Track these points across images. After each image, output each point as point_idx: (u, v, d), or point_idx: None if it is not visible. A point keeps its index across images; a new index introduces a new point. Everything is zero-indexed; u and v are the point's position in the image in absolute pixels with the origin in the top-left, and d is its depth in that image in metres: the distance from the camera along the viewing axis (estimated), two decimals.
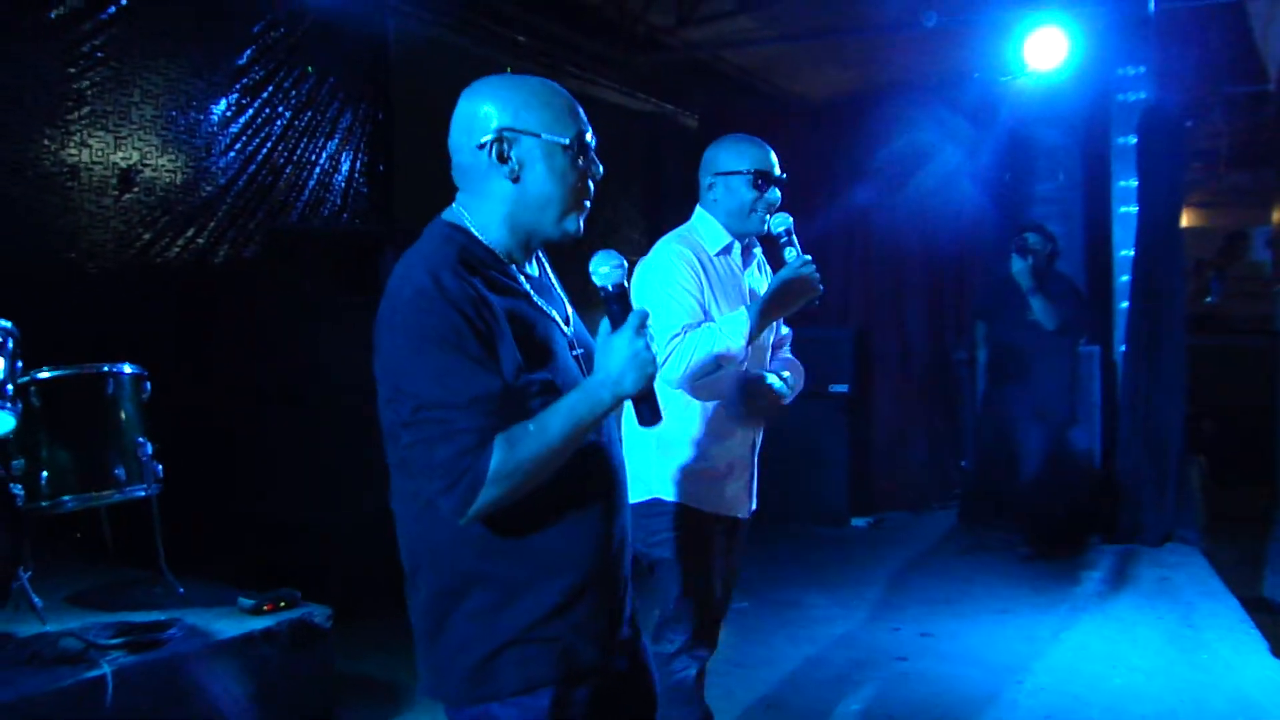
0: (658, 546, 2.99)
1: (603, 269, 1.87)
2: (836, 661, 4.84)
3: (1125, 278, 7.49)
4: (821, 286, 2.92)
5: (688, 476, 2.99)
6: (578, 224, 1.98)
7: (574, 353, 1.98)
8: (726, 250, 3.09)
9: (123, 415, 3.89)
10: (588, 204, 1.99)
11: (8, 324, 3.44)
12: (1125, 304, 7.41)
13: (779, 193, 3.07)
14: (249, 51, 5.80)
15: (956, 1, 6.95)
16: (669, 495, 2.98)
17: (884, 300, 8.59)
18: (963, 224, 8.19)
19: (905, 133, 8.47)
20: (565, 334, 1.99)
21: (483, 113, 1.92)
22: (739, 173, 3.04)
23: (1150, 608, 5.56)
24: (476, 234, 1.93)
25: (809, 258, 2.92)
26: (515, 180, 1.91)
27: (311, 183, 6.21)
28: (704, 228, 3.11)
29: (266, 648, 3.59)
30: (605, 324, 1.84)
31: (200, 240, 5.58)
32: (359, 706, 4.19)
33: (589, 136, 1.96)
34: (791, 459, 6.73)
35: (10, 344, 3.41)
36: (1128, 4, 6.82)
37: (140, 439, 3.88)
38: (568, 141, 1.91)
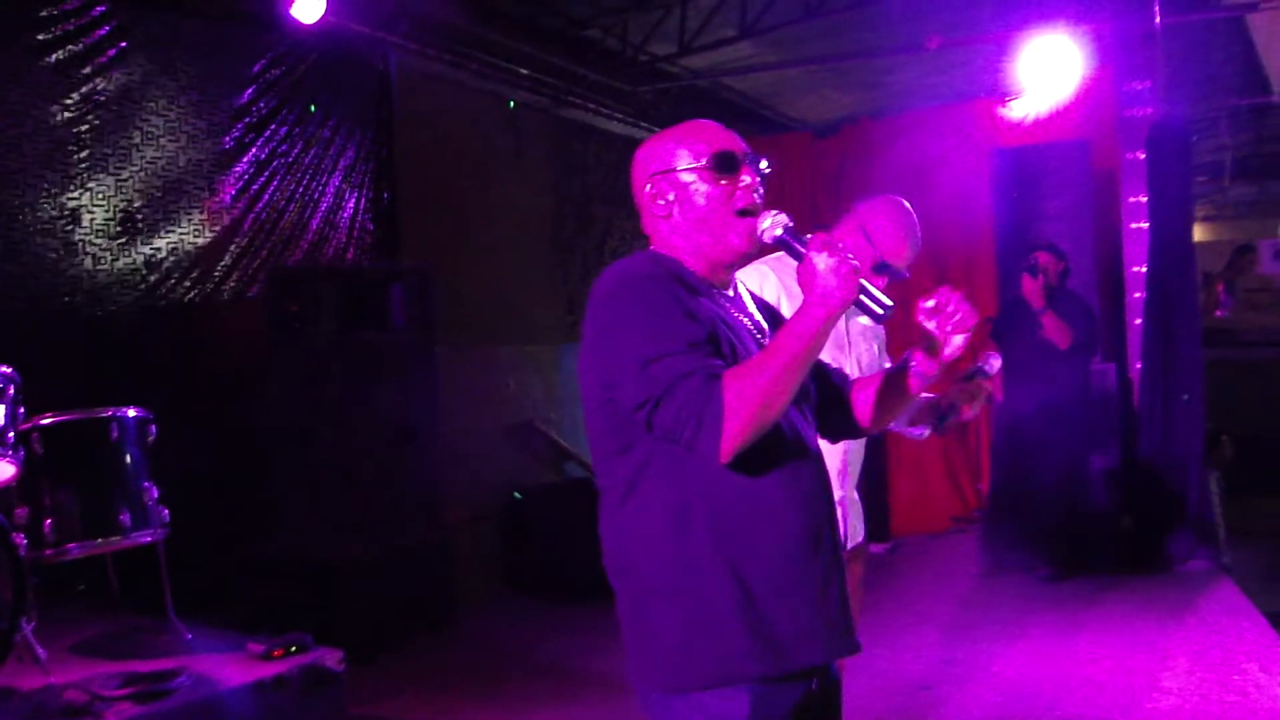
0: None
1: (766, 223, 2.01)
2: (858, 691, 4.74)
3: (1138, 294, 7.44)
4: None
5: None
6: (742, 235, 2.05)
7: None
8: None
9: (127, 460, 3.84)
10: (749, 213, 2.07)
11: (8, 370, 3.40)
12: (1139, 320, 7.35)
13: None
14: (250, 90, 5.80)
15: (959, 22, 6.93)
16: None
17: (894, 323, 8.51)
18: (971, 244, 8.14)
19: (910, 154, 8.45)
20: (759, 343, 2.08)
21: (640, 165, 2.12)
22: None
23: (1176, 627, 5.46)
24: (679, 262, 2.07)
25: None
26: (668, 218, 2.07)
27: (316, 221, 6.19)
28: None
29: (277, 694, 3.52)
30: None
31: (206, 282, 5.55)
32: None
33: (729, 150, 2.07)
34: None
35: (12, 390, 3.37)
36: (1133, 20, 6.80)
37: (146, 483, 3.84)
38: (699, 165, 2.05)
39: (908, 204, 3.22)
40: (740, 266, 2.15)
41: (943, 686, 4.81)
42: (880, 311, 1.96)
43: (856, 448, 3.18)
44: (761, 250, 2.12)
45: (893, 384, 2.31)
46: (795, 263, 1.95)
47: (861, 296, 1.91)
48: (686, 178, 2.05)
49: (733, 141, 2.09)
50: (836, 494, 3.07)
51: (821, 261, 1.87)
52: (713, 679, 1.88)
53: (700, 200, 2.04)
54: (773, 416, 1.85)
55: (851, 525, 3.17)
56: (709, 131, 2.10)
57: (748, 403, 1.79)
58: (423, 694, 4.81)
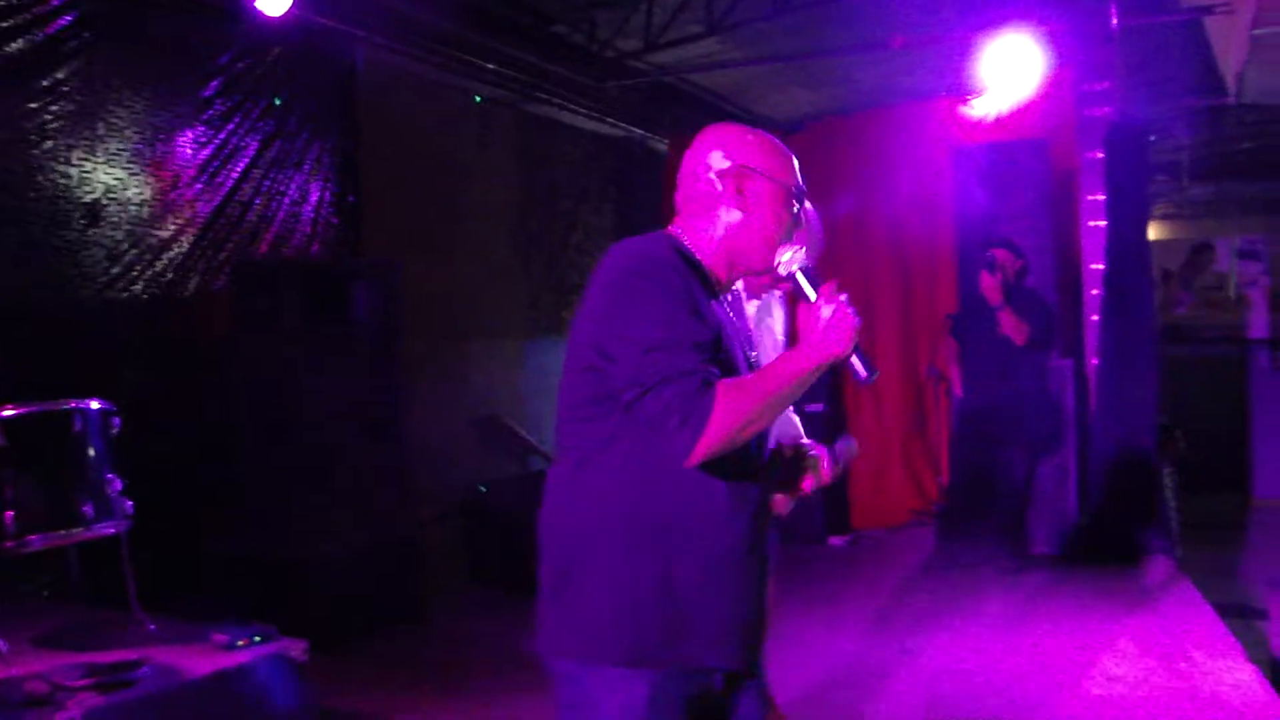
0: None
1: (786, 255, 2.11)
2: (817, 680, 4.83)
3: (1095, 291, 7.56)
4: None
5: None
6: (771, 262, 2.14)
7: (747, 365, 2.14)
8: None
9: (90, 452, 3.83)
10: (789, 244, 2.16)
11: None
12: (1096, 317, 7.46)
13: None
14: (215, 83, 5.78)
15: (923, 21, 7.00)
16: None
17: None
18: (932, 241, 8.23)
19: (874, 151, 8.54)
20: (746, 355, 2.16)
21: (725, 148, 2.13)
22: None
23: (1128, 617, 5.58)
24: (692, 251, 2.12)
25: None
26: (744, 212, 2.11)
27: (280, 214, 6.17)
28: None
29: (241, 684, 3.53)
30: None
31: (169, 274, 5.54)
32: None
33: (803, 189, 2.19)
34: None
35: None
36: (1091, 21, 6.89)
37: (109, 475, 3.83)
38: (792, 187, 2.15)
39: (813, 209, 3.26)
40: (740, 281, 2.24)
41: (900, 675, 4.90)
42: (865, 375, 2.03)
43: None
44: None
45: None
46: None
47: (854, 354, 1.99)
48: (773, 190, 2.12)
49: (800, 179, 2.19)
50: None
51: (827, 311, 1.96)
52: (624, 658, 1.96)
53: (770, 216, 2.11)
54: (747, 437, 1.95)
55: None
56: (793, 161, 2.19)
57: (732, 418, 1.88)
58: (390, 687, 4.84)
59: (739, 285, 3.13)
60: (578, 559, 2.02)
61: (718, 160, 2.12)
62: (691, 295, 1.97)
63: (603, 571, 1.99)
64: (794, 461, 2.26)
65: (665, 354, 1.89)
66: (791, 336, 3.17)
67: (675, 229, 2.15)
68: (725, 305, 2.15)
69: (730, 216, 2.11)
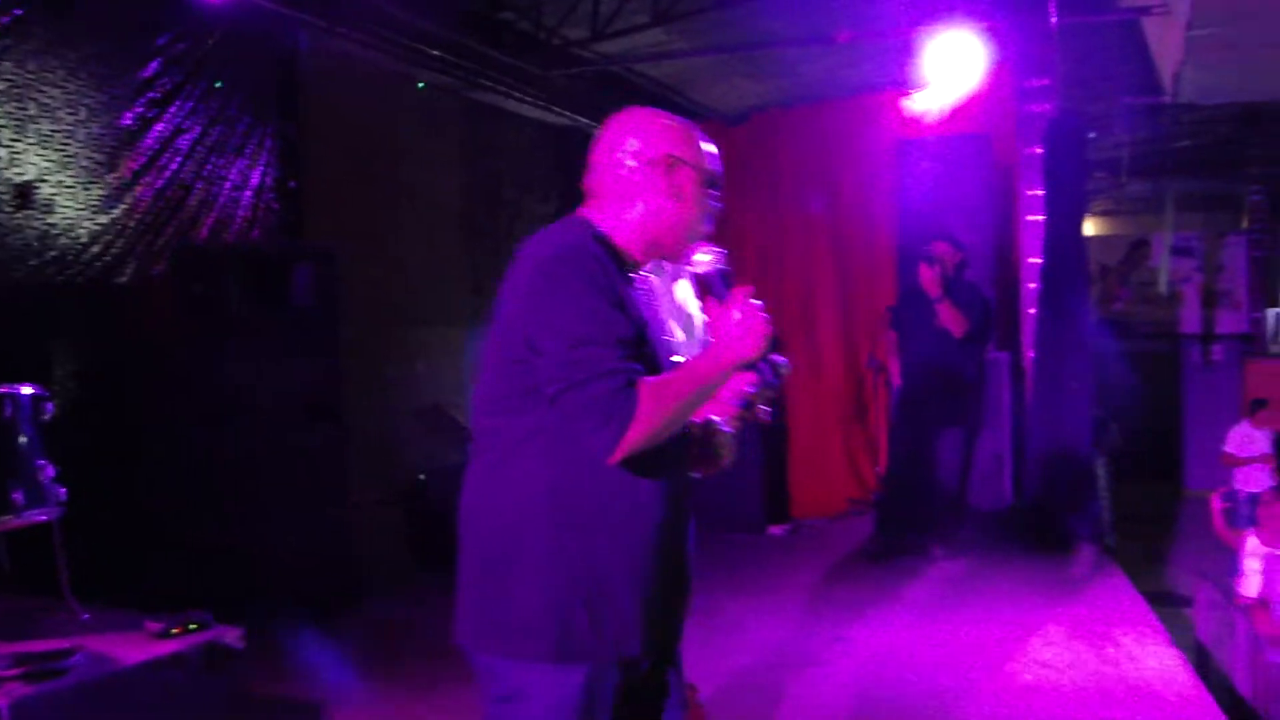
0: None
1: (706, 258, 2.13)
2: (753, 667, 4.88)
3: (1033, 285, 7.67)
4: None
5: None
6: (687, 251, 2.18)
7: (666, 351, 2.15)
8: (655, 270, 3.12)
9: (21, 438, 3.77)
10: (706, 231, 2.21)
11: None
12: (1033, 310, 7.58)
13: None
14: (154, 65, 5.68)
15: (868, 16, 7.06)
16: None
17: (797, 310, 8.69)
18: (873, 233, 8.32)
19: (818, 143, 8.60)
20: (664, 336, 2.18)
21: (652, 136, 2.13)
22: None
23: (1059, 604, 5.69)
24: (607, 235, 2.11)
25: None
26: (671, 200, 2.11)
27: (221, 199, 6.10)
28: None
29: (176, 672, 3.50)
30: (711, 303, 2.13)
31: (105, 258, 5.46)
32: None
33: (720, 172, 2.20)
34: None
35: None
36: (1031, 19, 6.98)
37: (40, 461, 3.77)
38: (715, 178, 2.17)
39: None
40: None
41: (835, 661, 4.96)
42: (774, 381, 2.06)
43: None
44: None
45: None
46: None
47: (765, 359, 2.01)
48: (696, 178, 2.13)
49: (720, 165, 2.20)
50: None
51: (739, 313, 1.99)
52: (555, 653, 1.96)
53: (694, 205, 2.13)
54: (666, 436, 1.97)
55: None
56: (711, 147, 2.20)
57: (654, 419, 1.90)
58: (324, 672, 4.82)
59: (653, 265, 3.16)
60: (502, 553, 2.01)
61: (642, 148, 2.11)
62: (614, 287, 1.97)
63: (529, 566, 1.98)
64: (705, 439, 2.25)
65: (591, 350, 1.89)
66: None
67: (591, 213, 2.14)
68: (640, 290, 2.16)
69: (655, 205, 2.11)
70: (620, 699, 2.03)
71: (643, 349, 1.98)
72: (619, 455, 1.90)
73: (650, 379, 1.93)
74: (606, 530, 1.98)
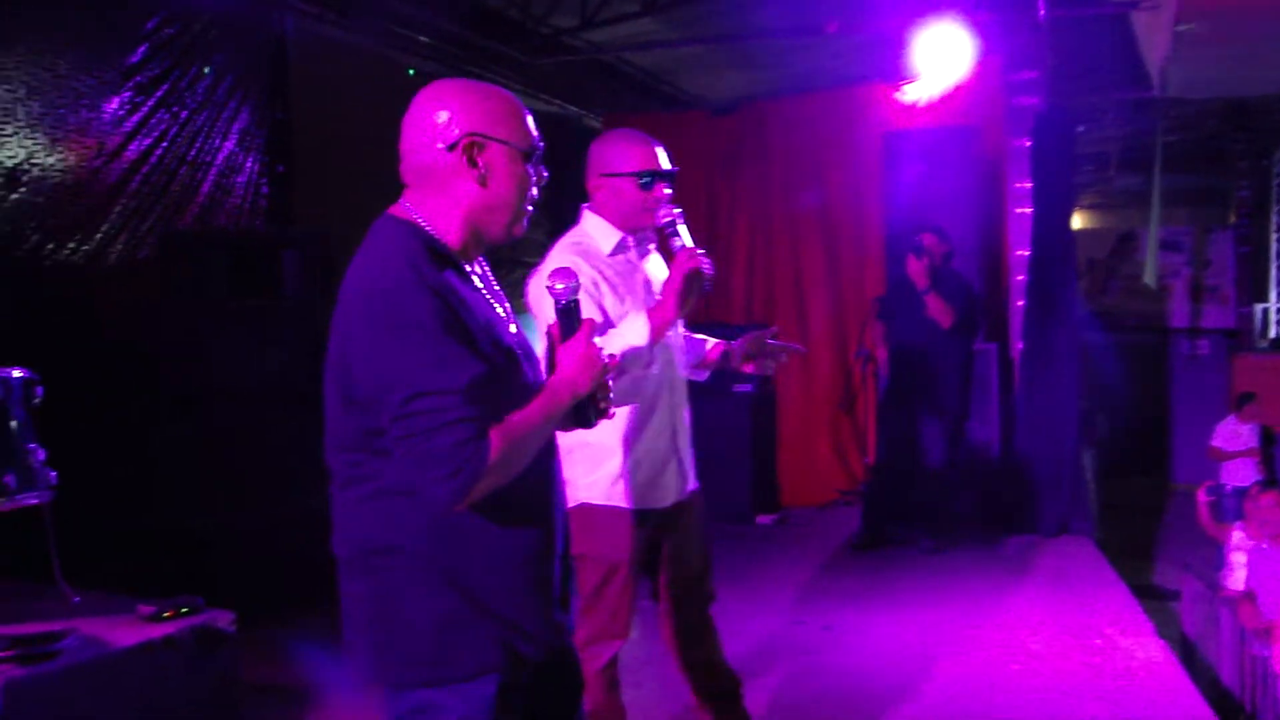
0: (580, 544, 3.06)
1: (559, 285, 2.00)
2: (741, 656, 4.87)
3: (1020, 277, 7.71)
4: (709, 271, 2.90)
5: (611, 479, 3.07)
6: (523, 227, 2.08)
7: (519, 350, 2.04)
8: (621, 248, 3.09)
9: (12, 422, 3.75)
10: (531, 208, 2.08)
11: None
12: (1021, 302, 7.61)
13: (669, 189, 3.07)
14: (142, 49, 5.66)
15: (857, 7, 7.07)
16: (594, 499, 3.07)
17: (786, 301, 8.71)
18: (862, 224, 8.34)
19: (805, 134, 8.61)
20: (511, 331, 2.05)
21: (449, 115, 1.96)
22: (625, 174, 3.02)
23: (1045, 596, 5.73)
24: (430, 231, 1.97)
25: (697, 248, 2.91)
26: (482, 184, 1.97)
27: (208, 185, 6.07)
28: (594, 229, 3.10)
29: (167, 655, 3.50)
30: (555, 334, 2.00)
31: (92, 242, 5.43)
32: (265, 713, 4.12)
33: (540, 144, 2.06)
34: (696, 458, 6.76)
35: None
36: (1020, 12, 7.01)
37: (31, 445, 3.76)
38: (527, 149, 2.01)
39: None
40: None
41: (823, 651, 4.98)
42: (591, 420, 2.04)
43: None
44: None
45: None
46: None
47: (591, 397, 1.99)
48: (507, 154, 1.99)
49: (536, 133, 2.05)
50: (677, 457, 3.23)
51: (581, 348, 1.94)
52: (469, 670, 1.91)
53: (508, 184, 1.99)
54: (509, 479, 1.87)
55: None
56: (524, 115, 2.04)
57: (503, 465, 1.82)
58: (316, 657, 4.81)
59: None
60: (388, 585, 1.93)
61: (443, 129, 1.95)
62: (454, 314, 1.83)
63: (418, 594, 1.91)
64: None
65: (432, 401, 1.76)
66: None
67: (411, 210, 1.98)
68: (476, 282, 2.02)
69: (467, 190, 1.97)
70: (529, 698, 2.01)
71: (495, 374, 1.85)
72: (463, 505, 1.82)
73: (499, 426, 1.81)
74: (483, 549, 1.92)
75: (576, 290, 2.01)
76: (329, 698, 4.36)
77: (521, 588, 1.96)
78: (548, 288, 2.00)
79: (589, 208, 3.15)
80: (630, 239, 3.11)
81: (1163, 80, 7.64)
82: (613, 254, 3.07)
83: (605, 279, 3.01)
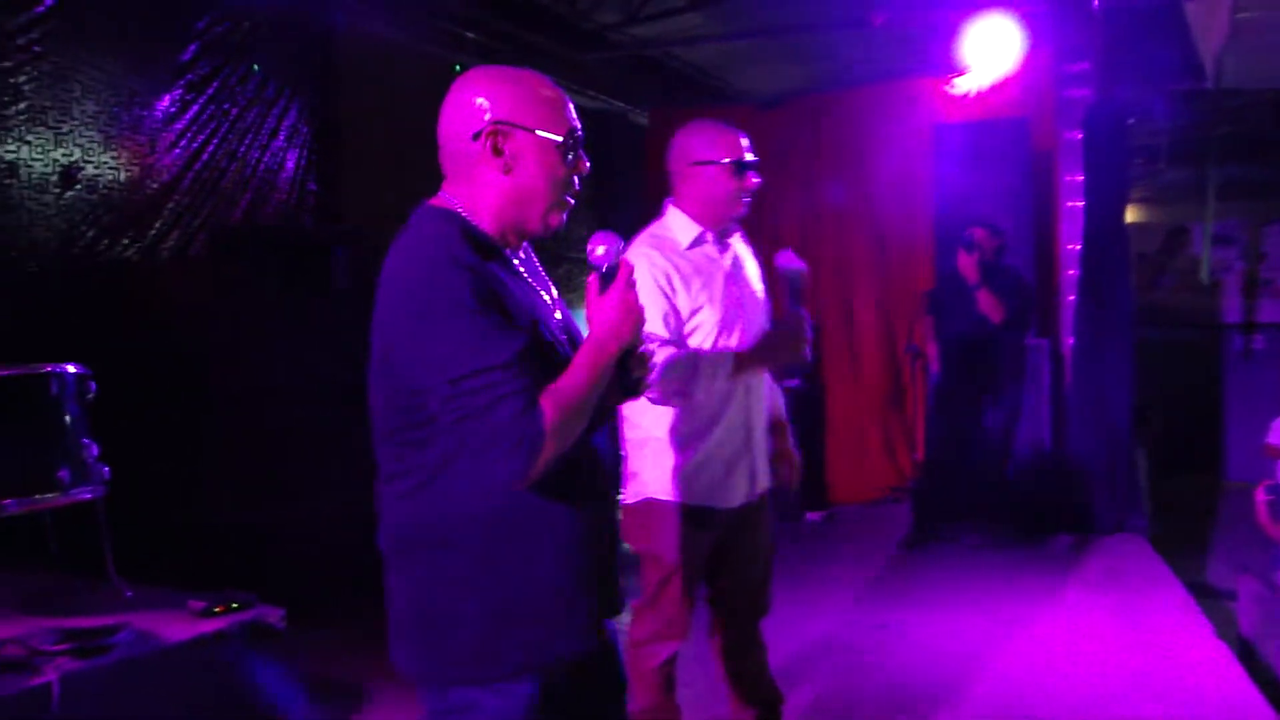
0: (643, 541, 3.08)
1: (599, 249, 1.95)
2: (792, 655, 4.85)
3: (1072, 271, 7.60)
4: (809, 338, 2.93)
5: (678, 475, 3.03)
6: (561, 218, 2.02)
7: (563, 336, 2.02)
8: (699, 241, 3.06)
9: (67, 417, 3.80)
10: (571, 200, 2.03)
11: None
12: (1073, 297, 7.51)
13: (757, 177, 3.05)
14: (193, 47, 5.72)
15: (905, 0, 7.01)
16: (661, 495, 3.04)
17: (835, 295, 8.64)
18: (911, 218, 8.25)
19: (854, 128, 8.54)
20: (556, 317, 2.04)
21: (478, 103, 1.93)
22: (718, 163, 2.99)
23: (1100, 595, 5.64)
24: (468, 218, 1.95)
25: (802, 314, 2.93)
26: (507, 173, 1.94)
27: (257, 181, 6.13)
28: (674, 222, 3.08)
29: (219, 650, 3.53)
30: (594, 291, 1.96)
31: (145, 238, 5.50)
32: (316, 707, 4.13)
33: (579, 132, 2.00)
34: None
35: None
36: (1072, 3, 6.91)
37: (85, 440, 3.80)
38: (560, 138, 1.96)
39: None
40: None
41: (873, 651, 4.93)
42: (637, 388, 2.03)
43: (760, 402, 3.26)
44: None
45: None
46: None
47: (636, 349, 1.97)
48: (537, 144, 1.95)
49: (575, 117, 2.00)
50: (751, 456, 3.16)
51: (618, 298, 1.90)
52: (511, 668, 1.89)
53: (538, 175, 1.95)
54: (571, 443, 1.86)
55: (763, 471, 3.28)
56: (563, 103, 1.99)
57: (561, 430, 1.80)
58: (366, 653, 4.82)
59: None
60: (431, 580, 1.92)
61: (470, 119, 1.93)
62: (492, 292, 1.82)
63: (461, 590, 1.89)
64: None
65: (482, 379, 1.76)
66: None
67: (450, 199, 1.97)
68: (521, 270, 2.01)
69: (493, 179, 1.94)
70: (568, 696, 1.99)
71: (538, 348, 1.85)
72: (533, 478, 1.81)
73: (548, 391, 1.81)
74: (533, 539, 1.91)
75: (619, 253, 1.96)
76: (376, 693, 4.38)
77: (565, 583, 1.94)
78: (589, 251, 1.96)
79: (672, 201, 3.12)
80: (709, 234, 3.08)
81: (1218, 70, 7.49)
82: (690, 247, 3.04)
83: (679, 272, 2.98)
